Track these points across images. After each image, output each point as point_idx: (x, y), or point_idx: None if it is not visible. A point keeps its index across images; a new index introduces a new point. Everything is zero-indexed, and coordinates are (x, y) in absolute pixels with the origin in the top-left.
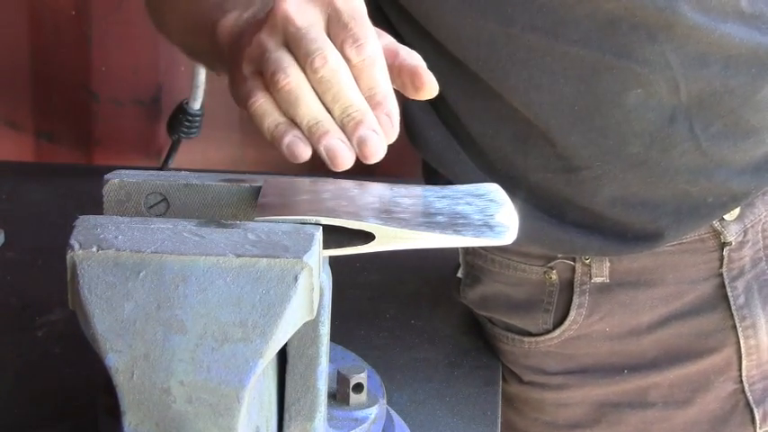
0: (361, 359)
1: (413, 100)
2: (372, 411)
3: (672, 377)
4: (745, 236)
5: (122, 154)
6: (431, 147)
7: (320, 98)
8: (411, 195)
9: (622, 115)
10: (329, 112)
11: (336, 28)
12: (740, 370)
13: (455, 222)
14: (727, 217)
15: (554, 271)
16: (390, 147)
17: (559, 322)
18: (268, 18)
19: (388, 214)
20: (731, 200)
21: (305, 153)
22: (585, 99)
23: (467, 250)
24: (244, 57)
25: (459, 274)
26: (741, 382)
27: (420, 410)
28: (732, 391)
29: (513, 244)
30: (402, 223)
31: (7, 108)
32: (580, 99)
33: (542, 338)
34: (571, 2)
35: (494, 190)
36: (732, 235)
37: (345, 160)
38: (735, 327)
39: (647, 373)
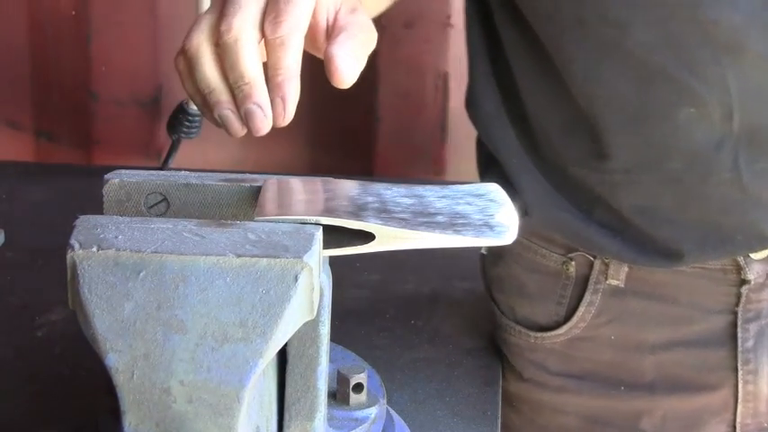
0: (361, 359)
1: (478, 63)
2: (372, 411)
3: (666, 407)
4: (767, 278)
5: (122, 154)
6: (481, 115)
7: (222, 66)
8: (411, 195)
9: (670, 129)
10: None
11: (270, 3)
12: (735, 414)
13: (455, 222)
14: (753, 255)
15: (573, 263)
16: (393, 147)
17: (569, 317)
18: None
19: (388, 214)
20: (759, 243)
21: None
22: (638, 103)
23: None
24: None
25: (483, 251)
26: (734, 427)
27: (420, 410)
28: None
29: (538, 227)
30: (402, 223)
31: (7, 108)
32: (633, 102)
33: (548, 334)
34: (647, 4)
35: (494, 190)
36: (753, 274)
37: (235, 130)
38: (736, 369)
39: (643, 396)
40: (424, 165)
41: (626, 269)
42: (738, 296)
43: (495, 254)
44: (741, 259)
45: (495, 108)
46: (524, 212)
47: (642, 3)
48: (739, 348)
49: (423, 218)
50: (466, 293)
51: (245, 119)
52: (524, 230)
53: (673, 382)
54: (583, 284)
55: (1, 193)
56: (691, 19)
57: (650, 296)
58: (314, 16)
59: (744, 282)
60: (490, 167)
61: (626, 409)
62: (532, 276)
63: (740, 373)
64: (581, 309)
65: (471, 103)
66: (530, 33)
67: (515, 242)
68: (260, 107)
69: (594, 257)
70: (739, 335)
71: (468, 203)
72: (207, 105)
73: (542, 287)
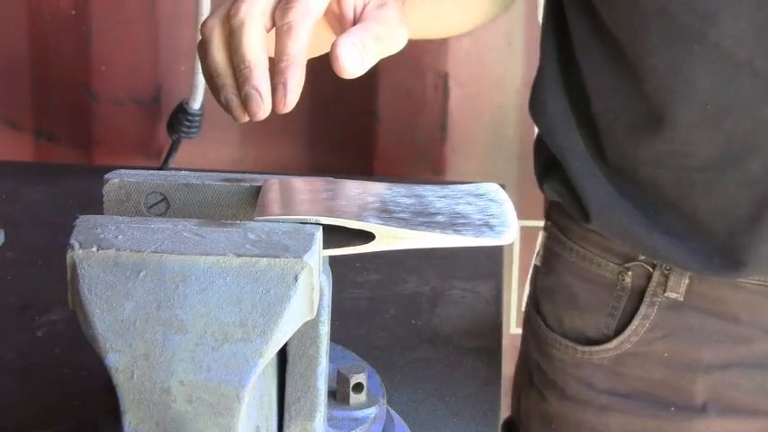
0: (361, 359)
1: (547, 63)
2: (372, 411)
3: (718, 431)
4: None
5: (122, 154)
6: (545, 115)
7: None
8: (411, 195)
9: (753, 126)
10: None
11: None
12: None
13: (455, 222)
14: None
15: (629, 273)
16: (393, 147)
17: (620, 330)
18: None
19: (388, 214)
20: None
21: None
22: (720, 98)
23: (548, 235)
24: None
25: (536, 261)
26: None
27: (420, 410)
28: None
29: (598, 234)
30: (402, 223)
31: (7, 108)
32: (715, 97)
33: (597, 348)
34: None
35: (494, 190)
36: None
37: (238, 115)
38: None
39: (693, 418)
40: (423, 165)
41: (686, 281)
42: None
43: (549, 264)
44: None
45: (561, 110)
46: (585, 218)
47: None
48: None
49: (423, 218)
50: (466, 293)
51: (244, 102)
52: (581, 238)
53: (726, 405)
54: (638, 296)
55: (1, 193)
56: None
57: (709, 312)
58: (340, 7)
59: None
60: (551, 171)
61: None
62: (585, 286)
63: None
64: (635, 322)
65: (536, 105)
66: (603, 29)
67: (571, 251)
68: (257, 91)
69: (653, 268)
70: None
71: (468, 203)
72: (215, 89)
73: (594, 298)
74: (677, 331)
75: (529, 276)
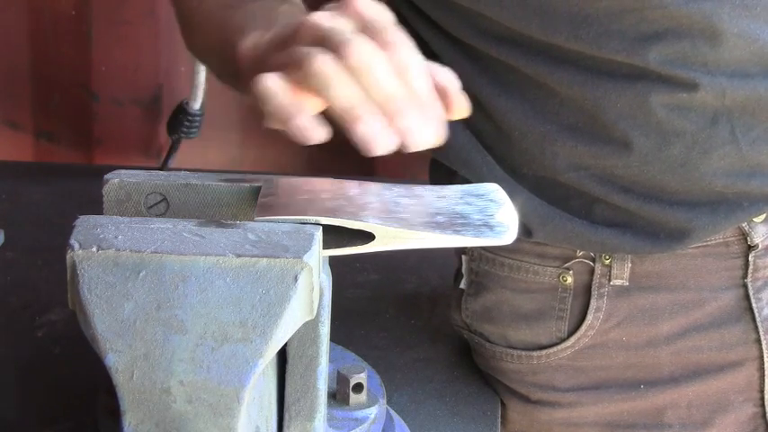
0: (361, 359)
1: None
2: (372, 411)
3: (690, 395)
4: None
5: (122, 154)
6: (454, 151)
7: (356, 84)
8: (411, 195)
9: (665, 114)
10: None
11: (370, 34)
12: (762, 391)
13: (455, 222)
14: (755, 219)
15: (570, 272)
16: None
17: (575, 329)
18: (295, 33)
19: (387, 214)
20: (766, 203)
21: (317, 135)
22: (628, 96)
23: (471, 257)
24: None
25: (462, 285)
26: (763, 405)
27: (420, 410)
28: (752, 414)
29: (536, 243)
30: (402, 223)
31: (7, 108)
32: (623, 96)
33: (554, 350)
34: (616, 13)
35: (494, 190)
36: (759, 237)
37: (383, 145)
38: (759, 340)
39: (664, 389)
40: (423, 165)
41: (629, 265)
42: (746, 267)
43: (479, 285)
44: (745, 225)
45: (468, 141)
46: (527, 234)
47: (613, 11)
48: (758, 319)
49: (422, 218)
50: None
51: (403, 134)
52: (511, 251)
53: (693, 369)
54: (585, 292)
55: (1, 193)
56: (664, 15)
57: (657, 288)
58: None
59: (751, 248)
60: None
61: (648, 407)
62: (526, 297)
63: (764, 342)
64: (589, 317)
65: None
66: (487, 58)
67: (503, 266)
68: (417, 119)
69: (594, 262)
70: (754, 305)
71: (468, 203)
72: (344, 120)
73: (538, 306)
74: (631, 315)
75: (452, 302)
